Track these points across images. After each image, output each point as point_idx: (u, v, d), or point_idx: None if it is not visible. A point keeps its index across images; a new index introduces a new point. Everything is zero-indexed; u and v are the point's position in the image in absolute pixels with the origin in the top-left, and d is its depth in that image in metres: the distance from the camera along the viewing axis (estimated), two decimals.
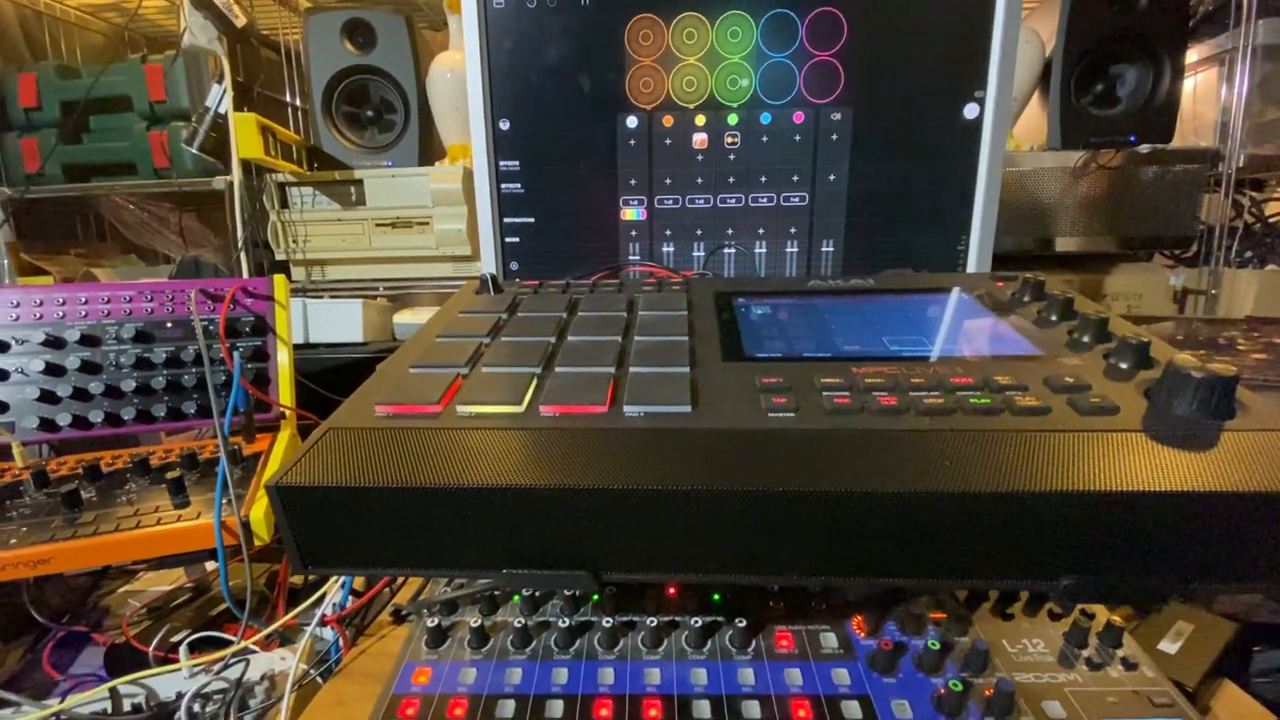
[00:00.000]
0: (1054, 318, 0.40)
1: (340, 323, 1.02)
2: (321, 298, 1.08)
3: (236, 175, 1.05)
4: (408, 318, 1.07)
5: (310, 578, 0.75)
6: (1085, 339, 0.37)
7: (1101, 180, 1.13)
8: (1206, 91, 1.22)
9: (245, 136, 0.95)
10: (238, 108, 1.04)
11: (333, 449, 0.29)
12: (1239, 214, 1.19)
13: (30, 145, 1.19)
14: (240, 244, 1.06)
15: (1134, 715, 0.36)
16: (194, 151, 1.08)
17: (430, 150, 1.15)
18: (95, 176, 1.21)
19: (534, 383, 0.34)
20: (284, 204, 1.11)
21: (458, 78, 1.10)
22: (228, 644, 0.59)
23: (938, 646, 0.39)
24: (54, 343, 0.68)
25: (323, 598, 0.65)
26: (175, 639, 0.63)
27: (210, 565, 0.78)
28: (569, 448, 0.28)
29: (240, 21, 1.05)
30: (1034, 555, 0.27)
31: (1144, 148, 1.09)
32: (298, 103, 1.34)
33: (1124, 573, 0.27)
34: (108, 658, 0.63)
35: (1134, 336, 0.34)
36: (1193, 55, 1.22)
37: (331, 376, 0.94)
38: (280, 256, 1.13)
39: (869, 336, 0.38)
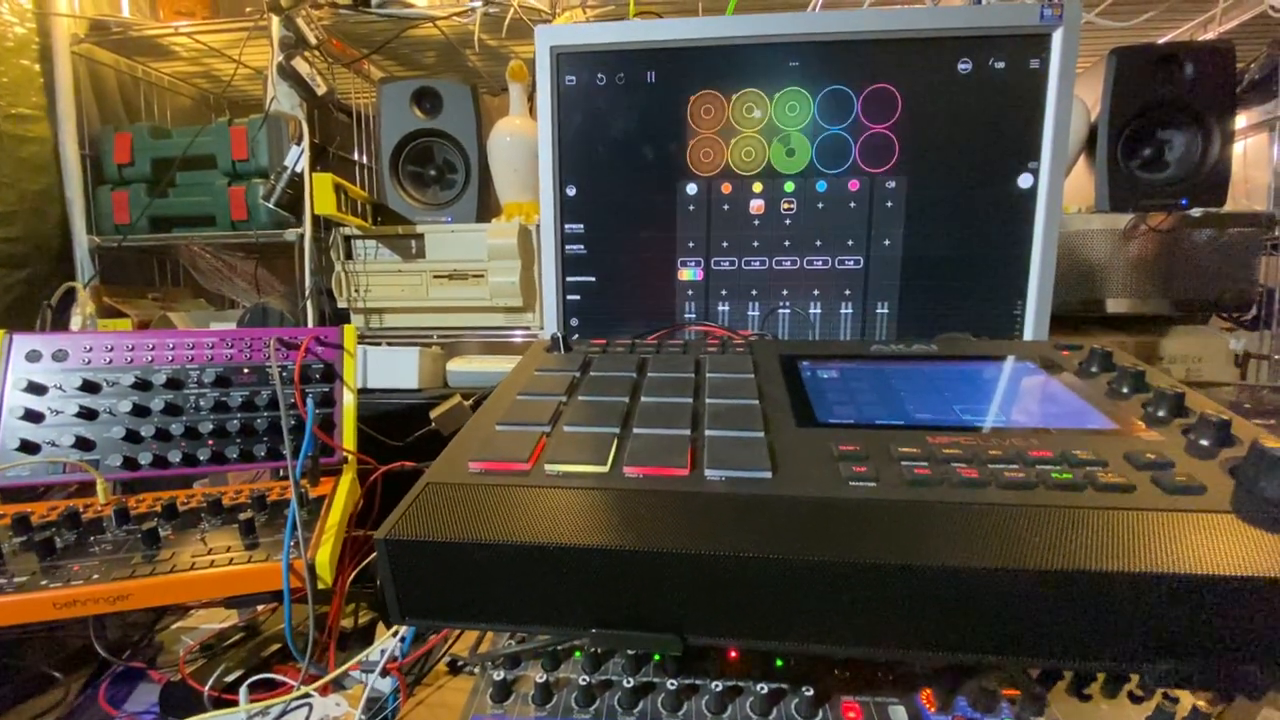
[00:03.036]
0: (1125, 390, 0.40)
1: (396, 369, 1.06)
2: (379, 344, 1.12)
3: (308, 229, 1.12)
4: (460, 365, 1.10)
5: (359, 623, 0.76)
6: (1161, 413, 0.37)
7: (1153, 243, 1.12)
8: (1258, 156, 1.21)
9: (321, 194, 1.02)
10: (313, 166, 1.12)
11: (432, 504, 0.30)
12: None
13: (121, 198, 1.29)
14: (308, 293, 1.11)
15: None
16: (270, 206, 1.15)
17: (487, 207, 1.20)
18: (177, 227, 1.30)
19: (615, 443, 0.35)
20: (349, 255, 1.18)
21: (516, 141, 1.16)
22: (281, 685, 0.60)
23: None
24: (142, 385, 0.72)
25: (372, 643, 0.66)
26: (229, 679, 0.64)
27: (261, 606, 0.80)
28: (655, 511, 0.30)
29: (321, 90, 1.14)
30: (1126, 636, 0.26)
31: (1195, 211, 1.08)
32: (365, 160, 1.43)
33: (1222, 658, 0.26)
34: (163, 696, 0.65)
35: (1214, 414, 0.34)
36: (1242, 120, 1.22)
37: (385, 421, 0.97)
38: (342, 305, 1.18)
39: (939, 404, 0.39)
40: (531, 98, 1.22)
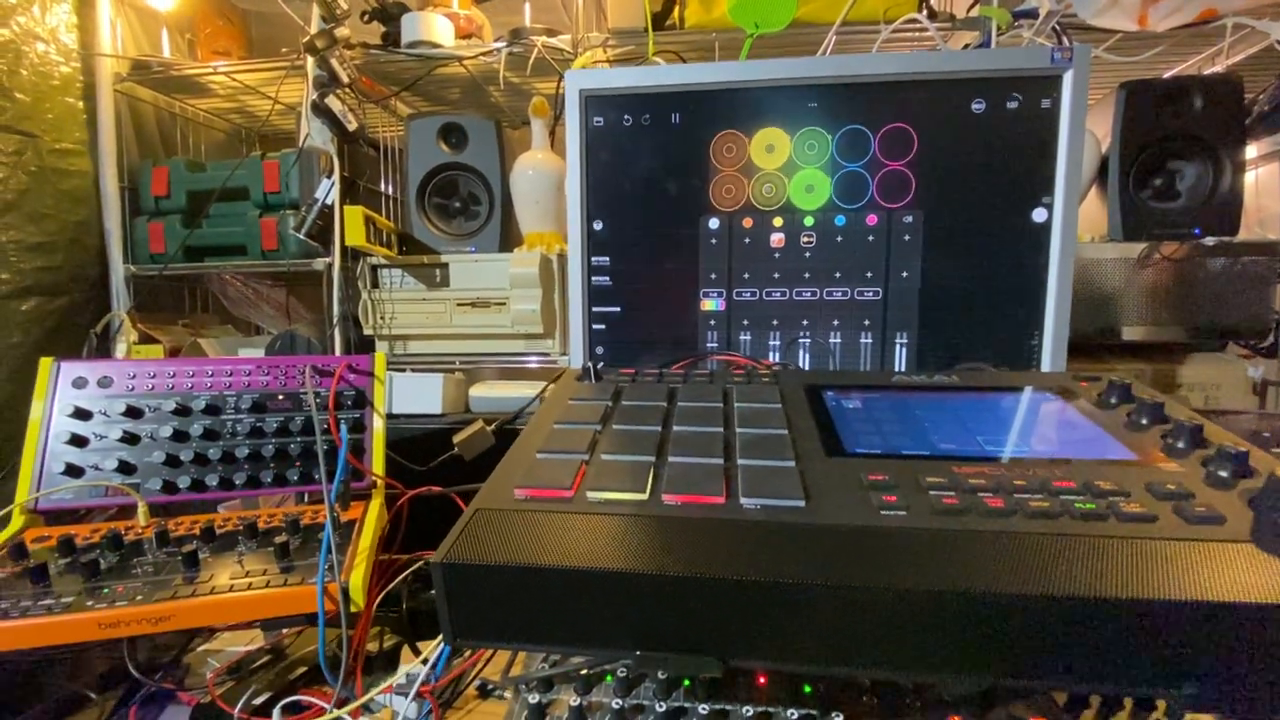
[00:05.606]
0: (1144, 421, 0.42)
1: (421, 395, 1.08)
2: (404, 371, 1.14)
3: (337, 259, 1.16)
4: (483, 391, 1.12)
5: (384, 646, 0.77)
6: (1180, 444, 0.38)
7: (1167, 271, 1.13)
8: (1270, 185, 1.23)
9: (352, 226, 1.05)
10: (343, 199, 1.16)
11: (482, 529, 0.32)
12: None
13: (157, 229, 1.34)
14: (336, 320, 1.14)
15: None
16: (300, 237, 1.20)
17: (509, 237, 1.24)
18: (209, 257, 1.35)
19: (652, 471, 0.37)
20: (375, 284, 1.21)
21: (538, 174, 1.20)
22: (308, 708, 0.61)
23: None
24: (182, 411, 0.75)
25: (396, 666, 0.67)
26: (257, 701, 0.65)
27: (286, 630, 0.81)
28: (696, 537, 0.31)
29: (352, 126, 1.18)
30: (1152, 662, 0.27)
31: (1208, 240, 1.09)
32: (390, 192, 1.48)
33: (1246, 682, 0.27)
34: (193, 718, 0.66)
35: (1232, 445, 0.35)
36: (1253, 151, 1.23)
37: (409, 446, 0.99)
38: (368, 332, 1.21)
39: (963, 435, 0.40)
40: (553, 132, 1.26)
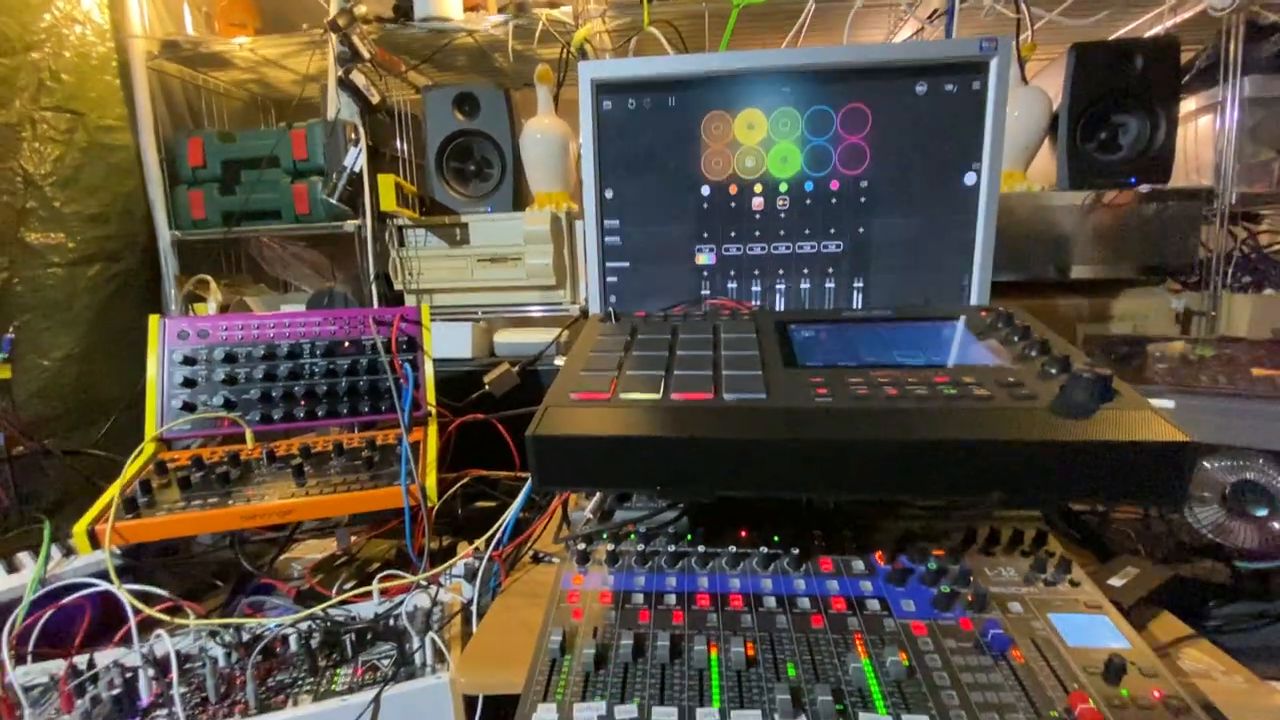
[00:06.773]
0: (1016, 339, 0.58)
1: (453, 341, 1.24)
2: (433, 321, 1.30)
3: (369, 221, 1.29)
4: (507, 337, 1.28)
5: (442, 545, 0.95)
6: (1033, 353, 0.55)
7: (1110, 216, 1.28)
8: (1205, 135, 1.36)
9: (385, 192, 1.19)
10: (370, 166, 1.29)
11: (554, 417, 0.48)
12: (1237, 244, 1.32)
13: (196, 197, 1.46)
14: (371, 278, 1.29)
15: (1072, 612, 0.53)
16: (331, 201, 1.33)
17: (521, 197, 1.37)
18: (246, 221, 1.48)
19: (663, 380, 0.53)
20: (401, 243, 1.35)
21: (545, 138, 1.33)
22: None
23: (935, 568, 0.57)
24: (270, 356, 0.91)
25: (450, 556, 0.85)
26: (348, 587, 0.84)
27: (354, 538, 1.00)
28: (694, 417, 0.48)
29: (375, 99, 1.30)
30: (975, 478, 0.44)
31: (1144, 188, 1.24)
32: (404, 154, 1.60)
33: (1034, 490, 0.44)
34: (297, 599, 0.84)
35: (1062, 352, 0.52)
36: (1191, 104, 1.36)
37: (444, 385, 1.15)
38: (397, 287, 1.36)
39: (884, 352, 0.57)
40: (556, 97, 1.38)
